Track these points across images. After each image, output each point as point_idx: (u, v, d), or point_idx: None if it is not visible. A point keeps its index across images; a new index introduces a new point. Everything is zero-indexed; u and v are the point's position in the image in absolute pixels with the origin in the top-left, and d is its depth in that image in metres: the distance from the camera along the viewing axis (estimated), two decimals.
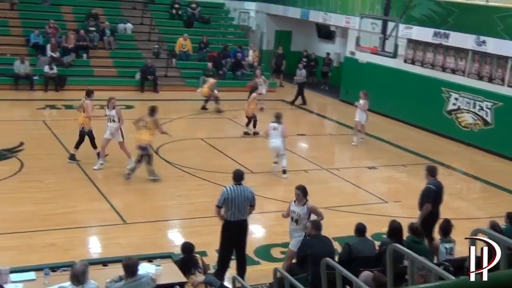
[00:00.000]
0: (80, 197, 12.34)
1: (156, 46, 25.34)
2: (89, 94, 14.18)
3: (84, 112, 13.99)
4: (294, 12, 27.51)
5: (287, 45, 29.30)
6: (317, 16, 26.21)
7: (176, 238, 10.79)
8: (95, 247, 10.50)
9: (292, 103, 23.17)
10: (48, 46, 23.13)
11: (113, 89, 22.81)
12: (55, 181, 13.05)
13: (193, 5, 27.93)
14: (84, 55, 24.08)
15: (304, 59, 27.30)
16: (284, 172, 14.44)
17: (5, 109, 19.55)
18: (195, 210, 12.05)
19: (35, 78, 22.16)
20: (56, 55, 23.15)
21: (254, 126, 18.12)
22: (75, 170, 13.83)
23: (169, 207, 12.57)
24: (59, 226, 10.80)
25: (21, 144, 15.31)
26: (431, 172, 10.23)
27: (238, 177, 9.14)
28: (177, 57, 25.43)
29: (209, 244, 9.84)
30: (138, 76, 23.54)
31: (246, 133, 18.22)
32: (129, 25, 26.01)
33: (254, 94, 19.06)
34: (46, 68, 22.18)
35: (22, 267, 7.60)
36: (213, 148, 16.49)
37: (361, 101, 17.71)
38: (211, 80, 20.95)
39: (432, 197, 9.89)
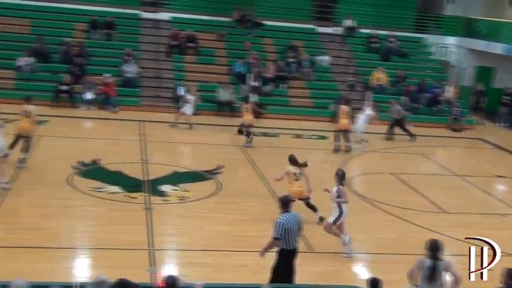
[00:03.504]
0: (270, 222, 12.72)
1: (352, 78, 25.57)
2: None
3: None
4: (497, 48, 26.33)
5: (488, 82, 28.04)
6: None
7: (361, 272, 10.76)
8: None
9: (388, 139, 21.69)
10: (250, 76, 24.35)
11: (308, 119, 23.49)
12: (249, 204, 13.64)
13: (391, 39, 27.85)
14: (283, 85, 25.00)
15: (506, 97, 25.96)
16: None
17: (208, 133, 20.83)
18: (382, 245, 11.93)
19: (235, 105, 23.44)
20: (257, 84, 24.30)
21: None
22: (267, 196, 14.32)
23: (357, 240, 12.53)
24: (250, 248, 11.25)
25: (221, 167, 16.22)
26: None
27: (287, 203, 9.27)
28: (373, 90, 25.43)
29: (394, 282, 9.64)
30: (332, 107, 23.89)
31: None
32: (326, 57, 26.58)
33: None
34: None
35: (215, 284, 8.04)
36: (403, 183, 16.21)
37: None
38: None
39: None
